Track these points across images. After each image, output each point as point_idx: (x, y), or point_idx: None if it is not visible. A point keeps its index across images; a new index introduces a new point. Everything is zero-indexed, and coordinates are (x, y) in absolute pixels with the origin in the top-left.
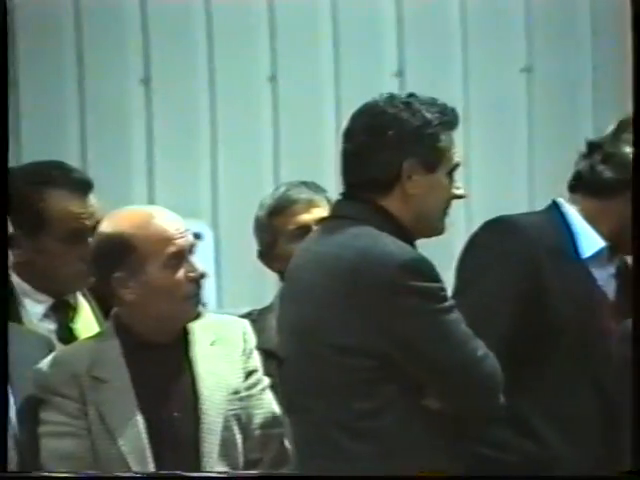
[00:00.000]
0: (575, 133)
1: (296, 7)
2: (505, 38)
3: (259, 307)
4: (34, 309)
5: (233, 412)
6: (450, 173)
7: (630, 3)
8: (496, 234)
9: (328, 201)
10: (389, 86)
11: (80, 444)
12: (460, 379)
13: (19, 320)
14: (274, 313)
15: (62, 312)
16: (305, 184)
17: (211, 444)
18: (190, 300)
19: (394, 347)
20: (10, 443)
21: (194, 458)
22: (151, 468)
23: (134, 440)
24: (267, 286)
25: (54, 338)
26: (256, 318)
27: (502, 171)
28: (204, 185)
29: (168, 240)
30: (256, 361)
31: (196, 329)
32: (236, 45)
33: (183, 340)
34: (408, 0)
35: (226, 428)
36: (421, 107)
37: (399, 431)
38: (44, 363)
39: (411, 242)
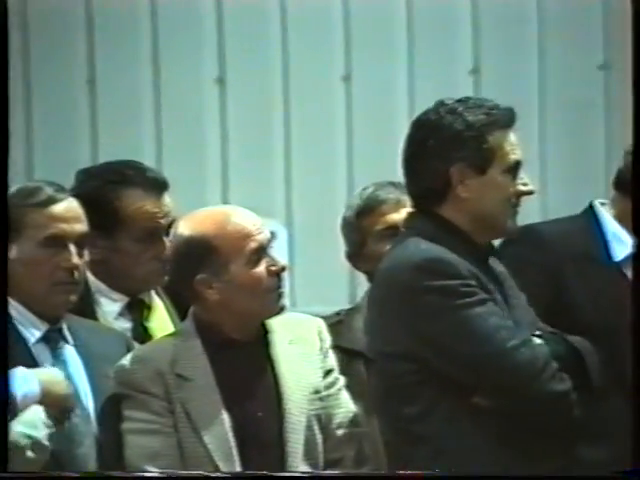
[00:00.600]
0: None
1: (370, 6)
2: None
3: (346, 307)
4: (109, 308)
5: (314, 412)
6: (509, 172)
7: (630, 3)
8: (520, 245)
9: None
10: (464, 84)
11: (166, 442)
12: (492, 372)
13: (95, 318)
14: (361, 313)
15: (137, 311)
16: (393, 184)
17: (295, 444)
18: (273, 293)
19: (426, 348)
20: (89, 441)
21: (279, 458)
22: (237, 467)
23: (220, 439)
24: (340, 285)
25: (130, 336)
26: (343, 318)
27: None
28: (278, 184)
29: (248, 237)
30: (332, 360)
31: (276, 327)
32: (311, 44)
33: (263, 338)
34: None
35: (308, 428)
36: (465, 111)
37: (449, 433)
38: (126, 360)
39: (475, 246)
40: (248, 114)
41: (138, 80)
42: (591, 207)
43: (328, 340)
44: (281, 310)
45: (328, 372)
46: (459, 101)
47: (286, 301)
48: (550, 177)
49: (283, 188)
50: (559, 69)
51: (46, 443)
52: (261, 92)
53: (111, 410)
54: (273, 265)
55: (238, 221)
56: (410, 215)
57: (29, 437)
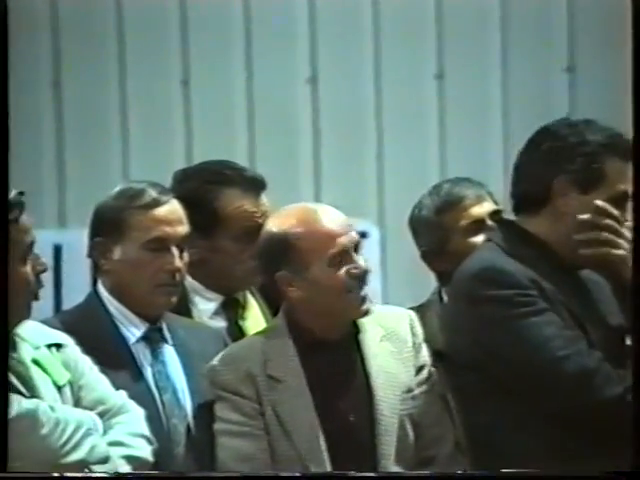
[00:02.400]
0: None
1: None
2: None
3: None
4: (205, 306)
5: (407, 411)
6: (614, 202)
7: (630, 3)
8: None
9: (490, 194)
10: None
11: (257, 444)
12: (545, 380)
13: (190, 317)
14: (433, 310)
15: (232, 310)
16: (467, 180)
17: (388, 446)
18: (354, 295)
19: (486, 358)
20: (179, 439)
21: (371, 460)
22: (328, 469)
23: (311, 441)
24: (431, 284)
25: (224, 335)
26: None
27: None
28: (370, 184)
29: (332, 239)
30: (425, 355)
31: (364, 325)
32: (403, 41)
33: (354, 337)
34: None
35: (401, 428)
36: (586, 129)
37: (513, 442)
38: (218, 360)
39: (555, 257)
40: (340, 113)
41: (231, 80)
42: None
43: (421, 334)
44: (367, 313)
45: (420, 368)
46: (585, 121)
47: (374, 302)
48: None
49: (375, 187)
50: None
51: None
52: (353, 92)
53: (205, 410)
54: (355, 268)
55: (324, 222)
56: (491, 227)
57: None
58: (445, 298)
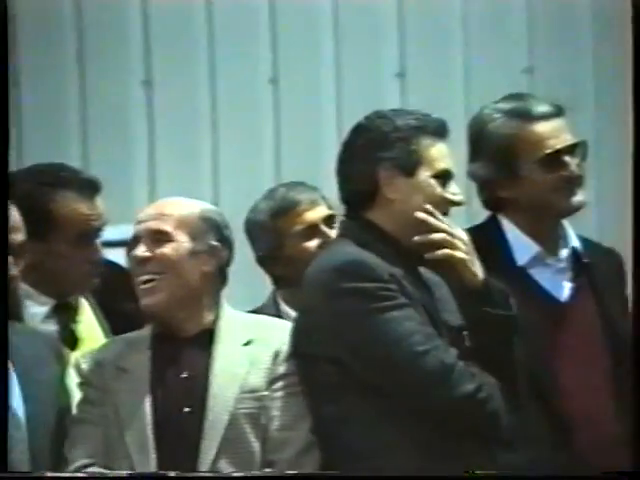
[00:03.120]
0: None
1: (297, 9)
2: (506, 39)
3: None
4: (36, 310)
5: (246, 411)
6: (438, 178)
7: (630, 3)
8: None
9: (325, 199)
10: (390, 87)
11: (90, 430)
12: (403, 375)
13: (21, 321)
14: (268, 314)
15: (64, 313)
16: (302, 184)
17: (211, 441)
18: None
19: (344, 351)
20: (22, 447)
21: (194, 455)
22: (152, 461)
23: (139, 432)
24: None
25: (57, 339)
26: None
27: None
28: (206, 184)
29: None
30: (291, 365)
31: (227, 328)
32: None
33: (208, 337)
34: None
35: (233, 427)
36: (395, 116)
37: (368, 436)
38: (83, 351)
39: (403, 251)
40: (175, 114)
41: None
42: (494, 216)
43: (288, 346)
44: None
45: (281, 377)
46: (393, 110)
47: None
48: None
49: (211, 188)
50: (484, 72)
51: None
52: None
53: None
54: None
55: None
56: (342, 222)
57: None
58: (280, 301)
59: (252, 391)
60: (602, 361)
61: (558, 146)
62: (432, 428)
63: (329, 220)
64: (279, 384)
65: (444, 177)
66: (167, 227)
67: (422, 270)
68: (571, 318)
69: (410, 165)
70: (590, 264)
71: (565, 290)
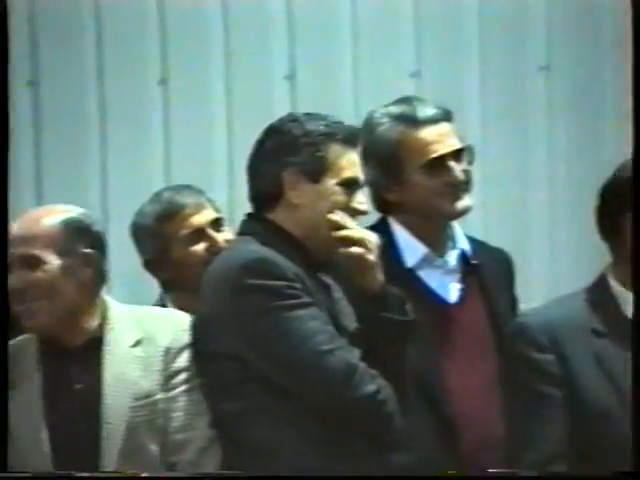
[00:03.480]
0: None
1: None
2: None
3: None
4: None
5: (144, 418)
6: (344, 187)
7: (630, 3)
8: None
9: (211, 202)
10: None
11: None
12: (307, 374)
13: None
14: None
15: None
16: (187, 187)
17: (110, 454)
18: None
19: (247, 347)
20: None
21: (94, 467)
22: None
23: (35, 443)
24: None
25: None
26: None
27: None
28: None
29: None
30: (185, 360)
31: (114, 330)
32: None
33: (97, 344)
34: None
35: (131, 436)
36: (307, 120)
37: (270, 433)
38: None
39: (306, 253)
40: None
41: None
42: (383, 217)
43: (184, 338)
44: None
45: (175, 374)
46: (307, 114)
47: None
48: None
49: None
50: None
51: None
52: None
53: None
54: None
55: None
56: (244, 220)
57: None
58: (169, 305)
59: (147, 396)
60: (489, 362)
61: (442, 151)
62: (331, 427)
63: (216, 224)
64: (173, 382)
65: (350, 185)
66: (35, 251)
67: (323, 277)
68: (459, 319)
69: (316, 171)
70: (479, 265)
71: (453, 291)
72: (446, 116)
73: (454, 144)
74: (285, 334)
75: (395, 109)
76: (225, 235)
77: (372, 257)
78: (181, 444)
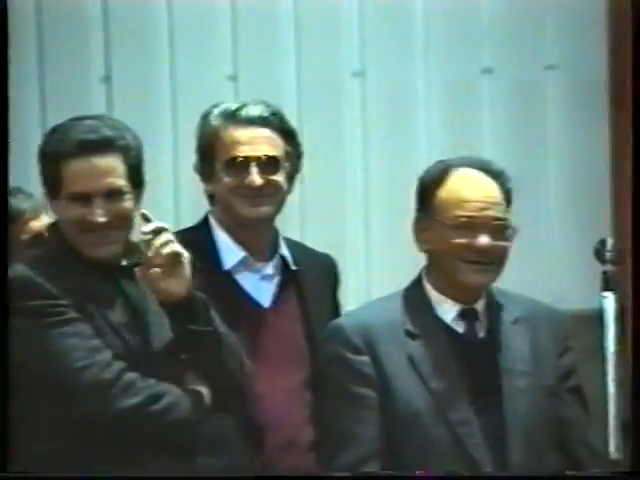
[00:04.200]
0: None
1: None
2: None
3: None
4: None
5: None
6: (72, 200)
7: (630, 3)
8: None
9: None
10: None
11: None
12: (64, 389)
13: None
14: None
15: None
16: (20, 191)
17: None
18: None
19: (17, 366)
20: None
21: None
22: None
23: None
24: None
25: None
26: None
27: None
28: None
29: None
30: None
31: None
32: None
33: None
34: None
35: None
36: (54, 132)
37: (43, 437)
38: None
39: (88, 264)
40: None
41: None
42: (206, 218)
43: None
44: None
45: None
46: (66, 123)
47: None
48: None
49: None
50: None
51: None
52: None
53: None
54: None
55: None
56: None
57: None
58: None
59: None
60: (301, 366)
61: (244, 153)
62: (104, 436)
63: (52, 228)
64: None
65: (82, 198)
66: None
67: (124, 286)
68: (272, 323)
69: (52, 187)
70: (299, 271)
71: (269, 296)
72: (271, 123)
73: (262, 150)
74: (42, 352)
75: (231, 105)
76: None
77: (184, 256)
78: None
